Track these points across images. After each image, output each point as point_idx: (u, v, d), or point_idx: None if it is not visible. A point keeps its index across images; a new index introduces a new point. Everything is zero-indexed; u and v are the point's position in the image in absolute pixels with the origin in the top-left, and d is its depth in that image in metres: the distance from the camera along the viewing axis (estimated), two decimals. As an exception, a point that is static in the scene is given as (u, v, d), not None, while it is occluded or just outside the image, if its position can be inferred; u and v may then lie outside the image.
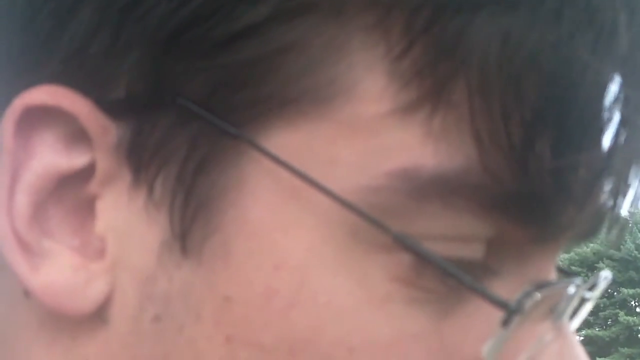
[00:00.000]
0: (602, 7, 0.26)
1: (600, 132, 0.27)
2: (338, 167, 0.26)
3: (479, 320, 0.28)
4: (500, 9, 0.25)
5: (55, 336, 0.30)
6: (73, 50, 0.28)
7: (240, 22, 0.26)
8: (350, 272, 0.27)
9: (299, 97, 0.26)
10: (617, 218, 0.30)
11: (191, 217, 0.27)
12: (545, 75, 0.25)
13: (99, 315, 0.29)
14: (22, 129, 0.28)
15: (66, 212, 0.29)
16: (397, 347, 0.27)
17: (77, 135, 0.28)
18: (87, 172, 0.29)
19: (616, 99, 0.26)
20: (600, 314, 25.86)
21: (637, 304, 26.98)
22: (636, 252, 26.06)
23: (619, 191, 0.29)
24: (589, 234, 0.30)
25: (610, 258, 26.19)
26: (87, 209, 0.29)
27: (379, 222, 0.26)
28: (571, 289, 0.29)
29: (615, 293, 26.66)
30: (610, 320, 26.30)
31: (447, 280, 0.27)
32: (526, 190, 0.26)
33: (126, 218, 0.28)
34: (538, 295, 0.27)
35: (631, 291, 25.93)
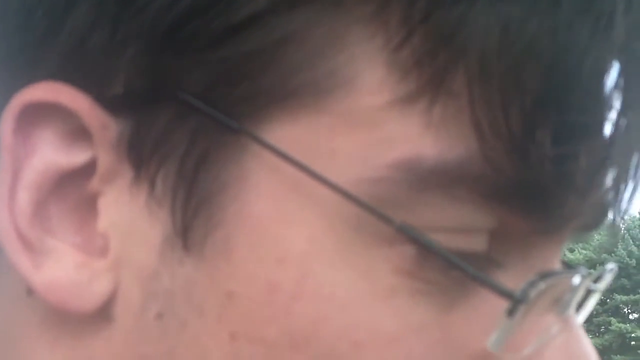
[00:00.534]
0: None
1: (601, 119, 0.27)
2: (339, 159, 0.26)
3: (484, 312, 0.28)
4: None
5: (58, 335, 0.29)
6: (71, 46, 0.28)
7: (239, 14, 0.26)
8: (353, 265, 0.27)
9: (299, 90, 0.26)
10: (621, 208, 0.29)
11: (193, 213, 0.27)
12: (544, 63, 0.25)
13: (103, 313, 0.28)
14: (22, 127, 0.28)
15: (68, 209, 0.29)
16: (402, 339, 0.27)
17: (77, 132, 0.28)
18: (88, 169, 0.28)
19: (616, 86, 0.26)
20: (594, 319, 25.78)
21: (630, 310, 26.92)
22: (628, 259, 26.03)
23: (621, 180, 0.28)
24: (593, 225, 0.30)
25: (602, 265, 26.05)
26: (89, 206, 0.29)
27: (382, 214, 0.26)
28: (576, 280, 0.28)
29: (607, 300, 26.60)
30: (603, 327, 26.23)
31: (450, 273, 0.27)
32: (527, 180, 0.26)
33: (128, 215, 0.28)
34: (543, 285, 0.27)
35: (624, 298, 25.89)
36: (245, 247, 0.27)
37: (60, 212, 0.29)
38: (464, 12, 0.25)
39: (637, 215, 27.17)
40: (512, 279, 0.28)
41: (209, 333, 0.27)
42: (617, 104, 0.27)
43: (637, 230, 26.72)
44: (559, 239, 0.30)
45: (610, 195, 0.29)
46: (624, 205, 0.29)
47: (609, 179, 0.28)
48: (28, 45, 0.29)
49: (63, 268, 0.28)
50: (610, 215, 0.30)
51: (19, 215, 0.28)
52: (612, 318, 25.44)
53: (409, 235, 0.26)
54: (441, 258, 0.26)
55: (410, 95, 0.26)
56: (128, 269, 0.28)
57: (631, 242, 26.04)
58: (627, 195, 0.29)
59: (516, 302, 0.26)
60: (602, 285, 0.32)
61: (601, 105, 0.26)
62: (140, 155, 0.28)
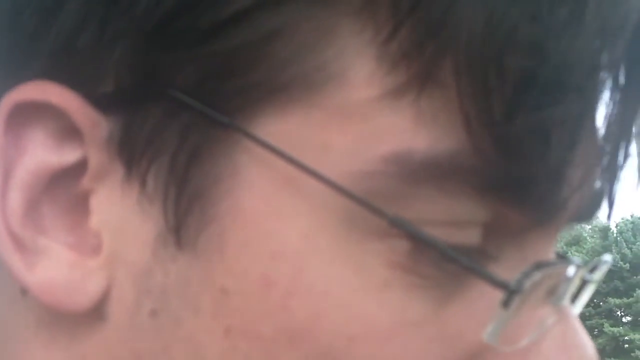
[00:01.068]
0: None
1: (585, 105, 0.27)
2: (330, 153, 0.26)
3: (480, 306, 0.28)
4: None
5: (53, 335, 0.29)
6: (60, 45, 0.28)
7: (227, 9, 0.26)
8: (347, 260, 0.27)
9: (288, 84, 0.26)
10: (612, 198, 0.29)
11: (185, 209, 0.27)
12: (524, 50, 0.25)
13: (97, 311, 0.28)
14: (13, 127, 0.28)
15: (60, 209, 0.29)
16: (397, 334, 0.27)
17: (68, 131, 0.28)
18: (79, 168, 0.28)
19: (601, 72, 0.26)
20: (587, 322, 25.78)
21: (623, 313, 26.94)
22: (621, 262, 26.06)
23: (612, 170, 0.28)
24: (586, 215, 0.30)
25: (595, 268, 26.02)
26: (81, 205, 0.29)
27: (374, 207, 0.26)
28: (570, 271, 0.28)
29: (601, 303, 26.60)
30: (596, 330, 26.22)
31: (444, 266, 0.27)
32: (516, 171, 0.26)
33: (120, 213, 0.28)
34: (537, 275, 0.27)
35: (617, 301, 25.90)
36: (239, 243, 0.27)
37: (52, 212, 0.29)
38: (450, 2, 0.25)
39: (630, 218, 27.19)
40: (506, 271, 0.27)
41: (203, 329, 0.27)
42: (604, 91, 0.27)
43: (630, 233, 26.74)
44: (553, 230, 0.30)
45: (602, 185, 0.29)
46: (615, 195, 0.29)
47: (599, 169, 0.28)
48: (17, 46, 0.29)
49: (56, 267, 0.28)
50: (602, 206, 0.30)
51: (11, 216, 0.28)
52: (605, 321, 25.45)
53: (402, 228, 0.26)
54: (435, 250, 0.26)
55: (400, 87, 0.26)
56: (121, 267, 0.28)
57: (624, 245, 26.06)
58: (618, 185, 0.29)
59: (511, 293, 0.26)
60: (597, 276, 0.31)
61: (585, 92, 0.26)
62: (131, 152, 0.28)
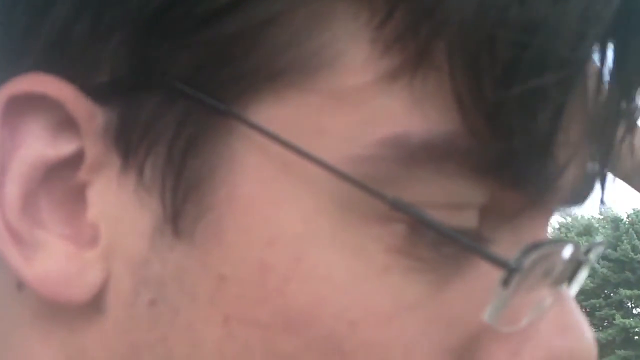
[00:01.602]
0: None
1: (576, 85, 0.27)
2: (328, 138, 0.26)
3: (479, 289, 0.28)
4: None
5: (50, 329, 0.29)
6: (54, 37, 0.28)
7: None
8: (346, 244, 0.27)
9: (285, 70, 0.26)
10: (605, 179, 0.30)
11: (182, 198, 0.27)
12: (515, 29, 0.25)
13: (95, 303, 0.28)
14: (9, 119, 0.28)
15: (57, 201, 0.29)
16: (397, 318, 0.27)
17: (64, 123, 0.28)
18: (76, 160, 0.28)
19: (585, 43, 0.26)
20: (597, 314, 25.60)
21: (633, 305, 26.75)
22: (632, 253, 25.83)
23: (604, 151, 0.29)
24: (581, 197, 0.30)
25: (606, 259, 25.95)
26: (77, 197, 0.29)
27: (373, 190, 0.26)
28: (567, 252, 0.29)
29: (611, 294, 26.42)
30: (606, 321, 26.06)
31: (443, 249, 0.27)
32: (510, 151, 0.26)
33: (117, 204, 0.28)
34: (536, 254, 0.27)
35: (628, 292, 25.71)
36: (236, 230, 0.27)
37: (50, 204, 0.29)
38: None
39: (642, 209, 26.94)
40: (504, 252, 0.27)
41: (202, 318, 0.27)
42: (592, 64, 0.27)
43: (642, 224, 26.49)
44: (546, 212, 0.30)
45: (595, 167, 0.29)
46: (609, 177, 0.29)
47: (590, 149, 0.28)
48: (12, 39, 0.29)
49: (54, 260, 0.28)
50: (595, 188, 0.30)
51: (8, 209, 0.28)
52: (615, 312, 25.28)
53: (402, 210, 0.26)
54: (434, 233, 0.27)
55: (395, 71, 0.26)
56: (119, 258, 0.28)
57: (635, 236, 25.85)
58: (610, 166, 0.29)
59: (511, 271, 0.26)
60: (593, 256, 0.31)
61: (571, 63, 0.26)
62: (128, 143, 0.28)
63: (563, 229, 26.45)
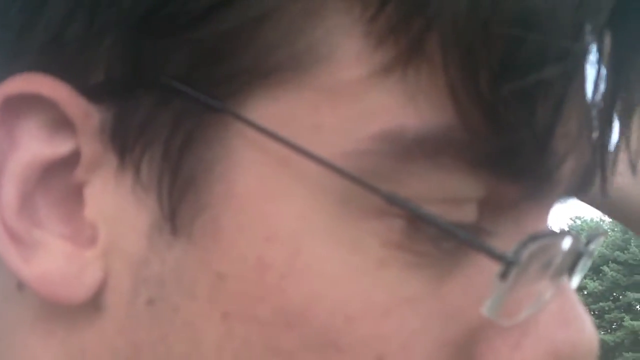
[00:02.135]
0: None
1: (566, 67, 0.26)
2: (323, 134, 0.26)
3: (478, 283, 0.28)
4: None
5: (50, 328, 0.29)
6: (49, 38, 0.28)
7: None
8: (343, 240, 0.27)
9: (279, 66, 0.26)
10: (605, 171, 0.29)
11: (179, 196, 0.27)
12: (509, 20, 0.25)
13: (94, 302, 0.28)
14: (4, 120, 0.28)
15: (55, 201, 0.29)
16: (395, 313, 0.27)
17: (60, 123, 0.28)
18: (72, 159, 0.28)
19: (582, 35, 0.26)
20: (606, 316, 25.69)
21: (642, 307, 26.76)
22: (641, 255, 25.85)
23: (602, 143, 0.28)
24: (580, 189, 0.30)
25: (615, 261, 26.02)
26: (75, 196, 0.29)
27: (370, 185, 0.26)
28: (566, 243, 0.28)
29: (620, 297, 26.49)
30: (615, 324, 26.14)
31: (440, 244, 0.27)
32: (506, 143, 0.26)
33: (115, 203, 0.28)
34: (534, 246, 0.27)
35: (637, 295, 25.76)
36: (234, 227, 0.27)
37: (47, 204, 0.29)
38: None
39: (651, 212, 26.99)
40: (503, 246, 0.27)
41: (201, 316, 0.27)
42: (589, 55, 0.27)
43: (651, 227, 26.55)
44: (547, 204, 0.30)
45: (594, 158, 0.29)
46: (608, 168, 0.29)
47: (589, 141, 0.28)
48: (6, 40, 0.29)
49: (53, 260, 0.28)
50: (595, 180, 0.30)
51: (6, 209, 0.28)
52: (624, 315, 25.35)
53: (399, 205, 0.26)
54: (431, 227, 0.26)
55: (389, 64, 0.26)
56: (117, 256, 0.28)
57: (644, 239, 25.91)
58: (610, 158, 0.29)
59: (509, 264, 0.26)
60: (592, 247, 0.31)
61: (569, 55, 0.26)
62: (124, 142, 0.28)
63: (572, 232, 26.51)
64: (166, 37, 0.27)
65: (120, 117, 0.28)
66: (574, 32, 0.26)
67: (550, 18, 0.25)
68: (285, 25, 0.26)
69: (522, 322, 0.28)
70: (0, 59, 0.30)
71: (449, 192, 0.27)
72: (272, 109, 0.27)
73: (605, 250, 24.78)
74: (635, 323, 24.87)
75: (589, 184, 0.30)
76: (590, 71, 0.28)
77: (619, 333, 24.80)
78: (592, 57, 0.27)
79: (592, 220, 28.44)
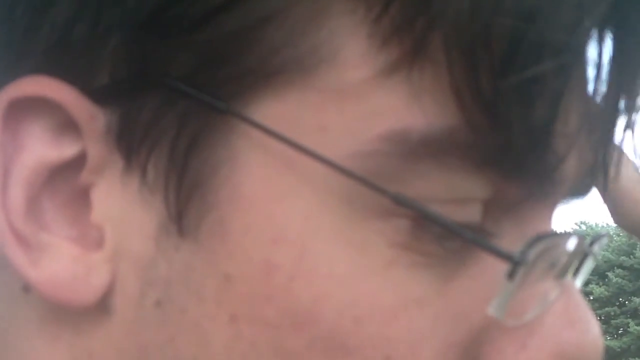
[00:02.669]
0: None
1: (565, 61, 0.26)
2: (329, 135, 0.26)
3: (483, 283, 0.28)
4: None
5: (58, 331, 0.29)
6: (54, 40, 0.28)
7: None
8: (350, 241, 0.27)
9: (283, 67, 0.26)
10: (607, 171, 0.30)
11: (186, 197, 0.27)
12: (510, 19, 0.25)
13: (102, 305, 0.28)
14: (10, 123, 0.28)
15: (61, 203, 0.29)
16: (402, 313, 0.27)
17: (66, 125, 0.28)
18: (78, 162, 0.28)
19: (582, 30, 0.26)
20: (612, 322, 25.61)
21: (648, 312, 26.67)
22: (647, 261, 25.75)
23: (606, 143, 0.29)
24: (583, 190, 0.30)
25: (621, 267, 25.96)
26: (82, 199, 0.29)
27: (376, 185, 0.26)
28: (572, 243, 0.28)
29: (626, 302, 26.42)
30: (621, 329, 26.06)
31: (446, 244, 0.27)
32: (511, 143, 0.26)
33: (121, 205, 0.28)
34: (540, 246, 0.27)
35: (642, 300, 25.60)
36: (240, 229, 0.27)
37: (54, 207, 0.29)
38: None
39: (657, 217, 26.92)
40: (507, 246, 0.27)
41: (209, 317, 0.27)
42: (589, 50, 0.27)
43: (657, 232, 26.48)
44: (551, 205, 0.30)
45: (597, 159, 0.29)
46: (611, 168, 0.29)
47: (592, 142, 0.28)
48: (11, 42, 0.29)
49: (60, 263, 0.28)
50: (599, 179, 0.30)
51: (13, 213, 0.28)
52: (630, 320, 25.26)
53: (405, 205, 0.26)
54: (437, 227, 0.26)
55: (393, 65, 0.26)
56: (125, 259, 0.28)
57: (650, 244, 25.84)
58: (613, 158, 0.29)
59: (516, 264, 0.26)
60: (596, 249, 0.31)
61: (568, 50, 0.26)
62: (130, 143, 0.28)
63: (578, 237, 26.44)
64: (171, 39, 0.27)
65: (125, 118, 0.28)
66: (573, 27, 0.26)
67: (550, 14, 0.25)
68: (290, 26, 0.26)
69: (527, 323, 0.28)
70: (5, 60, 0.30)
71: (454, 193, 0.27)
72: (277, 110, 0.27)
73: (611, 256, 24.71)
74: (641, 328, 24.76)
75: (591, 185, 0.30)
76: (591, 70, 0.28)
77: (625, 339, 24.70)
78: (593, 55, 0.27)
79: (597, 225, 28.39)
